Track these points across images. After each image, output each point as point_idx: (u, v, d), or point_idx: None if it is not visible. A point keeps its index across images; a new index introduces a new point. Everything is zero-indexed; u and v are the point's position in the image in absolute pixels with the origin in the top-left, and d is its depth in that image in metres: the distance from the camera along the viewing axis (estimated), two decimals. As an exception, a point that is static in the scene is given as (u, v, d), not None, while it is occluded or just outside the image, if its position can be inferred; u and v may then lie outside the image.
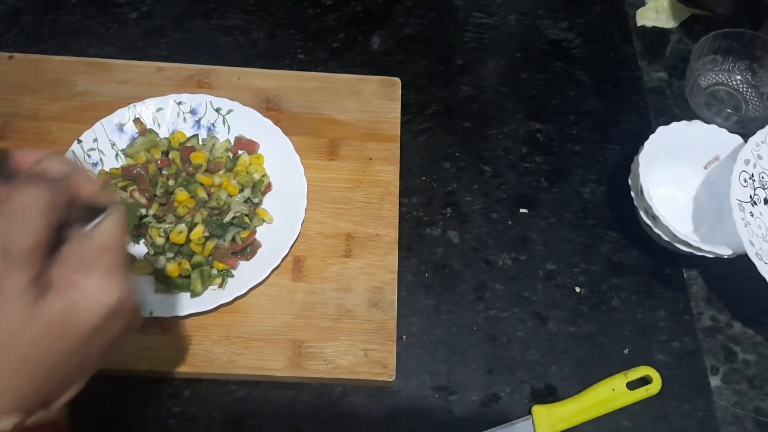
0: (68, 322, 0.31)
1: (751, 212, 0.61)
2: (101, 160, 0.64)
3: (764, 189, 0.63)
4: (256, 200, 0.63)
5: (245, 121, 0.66)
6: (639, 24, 0.83)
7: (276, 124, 0.66)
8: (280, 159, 0.65)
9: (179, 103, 0.66)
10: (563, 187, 0.70)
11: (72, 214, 0.33)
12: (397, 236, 0.64)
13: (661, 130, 0.65)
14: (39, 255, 0.31)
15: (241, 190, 0.62)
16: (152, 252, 0.60)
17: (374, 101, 0.71)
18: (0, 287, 0.30)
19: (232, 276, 0.60)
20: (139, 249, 0.61)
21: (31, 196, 0.31)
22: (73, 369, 0.34)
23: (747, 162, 0.62)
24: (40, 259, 0.31)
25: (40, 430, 0.33)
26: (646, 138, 0.64)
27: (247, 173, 0.63)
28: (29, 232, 0.30)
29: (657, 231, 0.62)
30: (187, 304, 0.57)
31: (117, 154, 0.64)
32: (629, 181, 0.65)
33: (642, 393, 0.58)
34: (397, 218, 0.65)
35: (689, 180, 0.69)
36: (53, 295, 0.31)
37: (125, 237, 0.34)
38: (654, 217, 0.61)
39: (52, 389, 0.34)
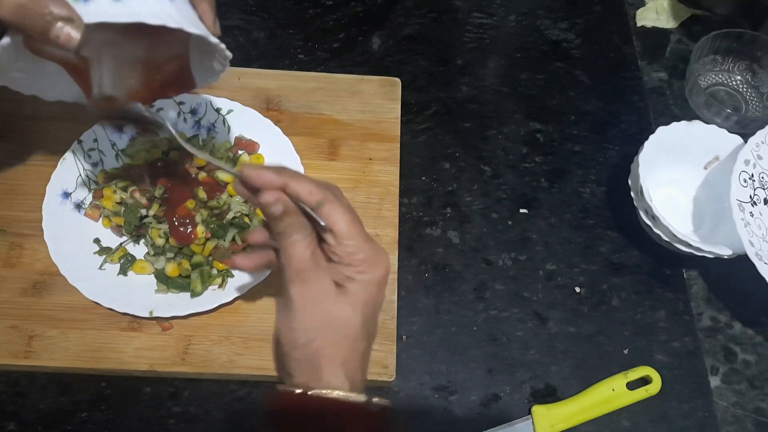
0: (367, 296, 0.42)
1: (751, 212, 0.61)
2: (101, 160, 0.64)
3: (764, 189, 0.63)
4: (256, 200, 0.63)
5: (245, 121, 0.66)
6: (639, 24, 0.83)
7: (276, 124, 0.66)
8: (280, 159, 0.65)
9: (179, 103, 0.66)
10: (563, 187, 0.70)
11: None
12: (397, 236, 0.64)
13: (661, 131, 0.65)
14: (325, 262, 0.43)
15: (241, 190, 0.62)
16: (152, 252, 0.60)
17: (374, 101, 0.71)
18: (315, 290, 0.41)
19: (232, 276, 0.60)
20: (140, 249, 0.61)
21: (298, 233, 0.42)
22: (371, 335, 0.44)
23: (747, 162, 0.62)
24: (326, 264, 0.43)
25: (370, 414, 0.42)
26: (646, 138, 0.64)
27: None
28: (311, 249, 0.42)
29: (657, 231, 0.62)
30: (187, 304, 0.57)
31: (117, 154, 0.64)
32: (629, 182, 0.65)
33: (642, 393, 0.58)
34: (397, 218, 0.65)
35: (689, 180, 0.69)
36: (350, 284, 0.42)
37: (352, 211, 0.43)
38: (654, 218, 0.61)
39: (366, 360, 0.44)
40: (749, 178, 0.62)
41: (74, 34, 0.38)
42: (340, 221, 0.42)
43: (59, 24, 0.38)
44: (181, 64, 0.48)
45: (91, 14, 0.38)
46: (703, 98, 0.74)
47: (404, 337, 0.61)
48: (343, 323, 0.41)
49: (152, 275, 0.59)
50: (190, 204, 0.60)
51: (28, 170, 0.64)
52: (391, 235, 0.64)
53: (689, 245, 0.61)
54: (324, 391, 0.40)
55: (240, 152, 0.65)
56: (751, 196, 0.62)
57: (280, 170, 0.42)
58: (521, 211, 0.69)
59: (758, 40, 0.76)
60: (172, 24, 0.40)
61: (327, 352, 0.41)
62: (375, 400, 0.41)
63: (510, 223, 0.68)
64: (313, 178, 0.43)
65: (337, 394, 0.40)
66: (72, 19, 0.38)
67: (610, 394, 0.58)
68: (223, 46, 0.44)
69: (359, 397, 0.40)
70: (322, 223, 0.42)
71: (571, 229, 0.68)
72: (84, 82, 0.45)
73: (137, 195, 0.60)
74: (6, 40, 0.39)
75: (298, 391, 0.40)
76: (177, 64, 0.47)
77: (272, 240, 0.46)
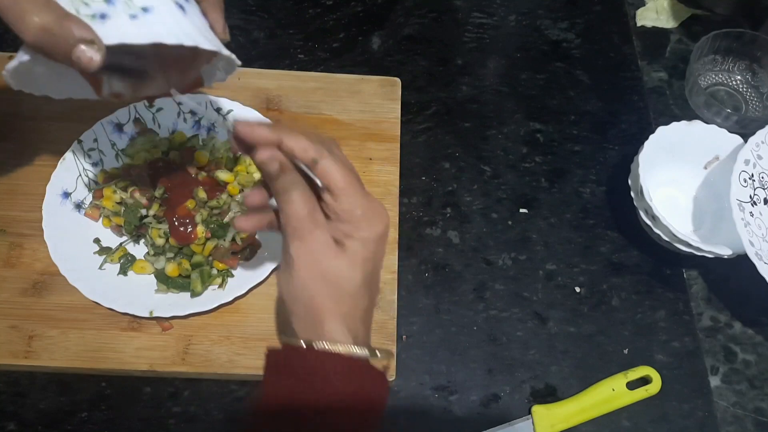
0: (367, 253, 0.42)
1: (751, 212, 0.61)
2: (101, 160, 0.64)
3: (764, 189, 0.63)
4: (256, 200, 0.63)
5: (245, 121, 0.66)
6: (639, 24, 0.83)
7: (276, 124, 0.66)
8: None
9: (179, 103, 0.66)
10: (563, 187, 0.70)
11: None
12: (397, 236, 0.64)
13: (661, 130, 0.65)
14: (324, 219, 0.42)
15: (241, 190, 0.62)
16: (152, 252, 0.60)
17: (374, 101, 0.71)
18: (313, 246, 0.41)
19: (232, 276, 0.60)
20: (140, 249, 0.61)
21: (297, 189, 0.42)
22: (373, 292, 0.44)
23: (747, 162, 0.62)
24: (324, 221, 0.42)
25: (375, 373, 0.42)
26: (646, 138, 0.64)
27: (248, 173, 0.63)
28: (309, 206, 0.42)
29: (657, 231, 0.62)
30: (187, 304, 0.57)
31: (117, 154, 0.64)
32: (629, 182, 0.65)
33: (642, 393, 0.58)
34: (397, 218, 0.65)
35: (689, 180, 0.69)
36: (349, 241, 0.41)
37: (349, 166, 0.43)
38: (654, 217, 0.61)
39: (369, 317, 0.44)
40: (749, 178, 0.62)
41: (96, 57, 0.38)
42: (336, 178, 0.41)
43: (82, 47, 0.38)
44: (189, 63, 0.48)
45: (111, 36, 0.39)
46: (703, 98, 0.74)
47: (404, 337, 0.61)
48: (343, 280, 0.41)
49: (152, 275, 0.59)
50: (190, 204, 0.60)
51: (28, 170, 0.64)
52: (391, 235, 0.63)
53: (689, 245, 0.61)
54: (327, 344, 0.40)
55: (240, 152, 0.65)
56: (751, 196, 0.62)
57: (275, 126, 0.42)
58: (521, 211, 0.69)
59: (758, 40, 0.76)
60: (188, 42, 0.40)
61: (328, 307, 0.41)
62: (379, 354, 0.41)
63: (510, 223, 0.68)
64: (309, 132, 0.42)
65: (339, 347, 0.40)
66: (93, 41, 0.38)
67: (610, 394, 0.58)
68: (234, 56, 0.45)
69: (362, 351, 0.40)
70: (318, 182, 0.42)
71: (571, 229, 0.68)
72: (94, 80, 0.46)
73: (137, 195, 0.60)
74: (26, 56, 0.40)
75: (302, 344, 0.40)
76: (185, 63, 0.48)
77: (271, 201, 0.45)
